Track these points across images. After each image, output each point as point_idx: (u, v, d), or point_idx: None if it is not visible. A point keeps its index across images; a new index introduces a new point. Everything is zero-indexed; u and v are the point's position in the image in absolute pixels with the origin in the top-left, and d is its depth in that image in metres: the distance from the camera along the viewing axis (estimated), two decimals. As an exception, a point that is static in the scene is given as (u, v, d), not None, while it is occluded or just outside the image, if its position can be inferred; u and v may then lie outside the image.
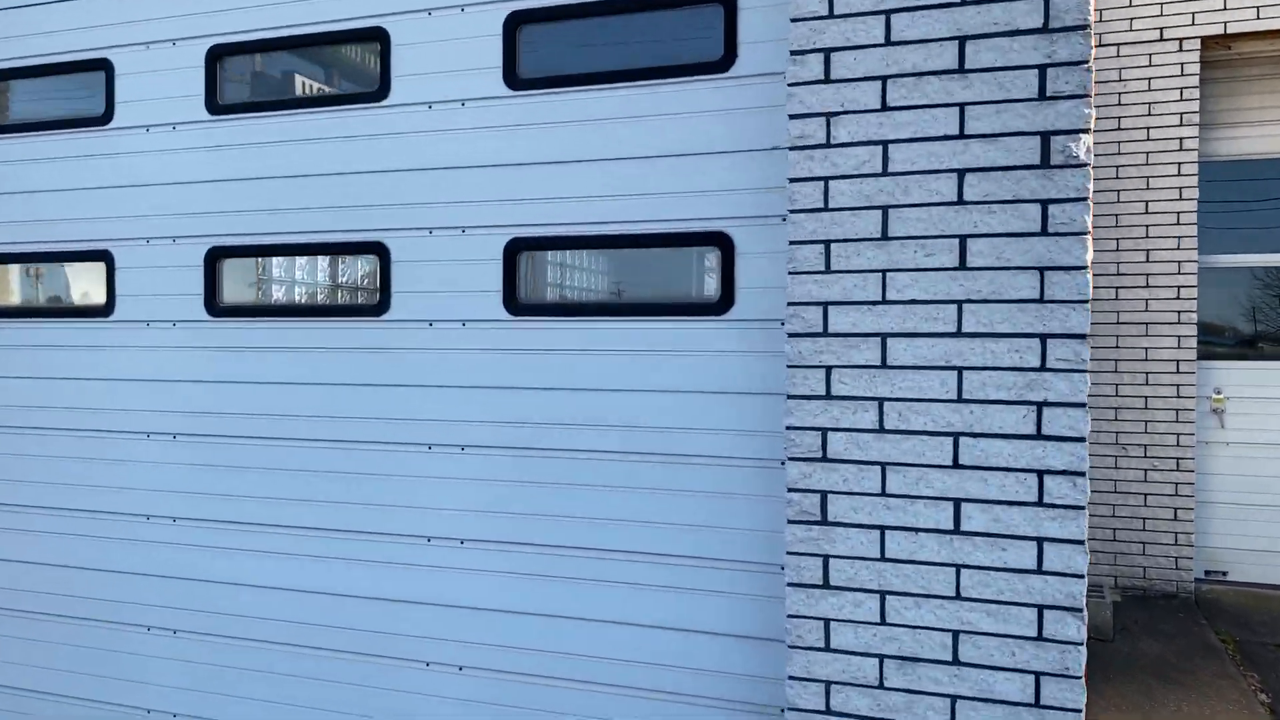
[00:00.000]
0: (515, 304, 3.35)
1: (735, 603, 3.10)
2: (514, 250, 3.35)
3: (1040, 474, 2.48)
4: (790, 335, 2.71)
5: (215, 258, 3.76)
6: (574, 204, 3.27)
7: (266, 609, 3.69)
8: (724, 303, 3.11)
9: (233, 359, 3.74)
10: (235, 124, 3.72)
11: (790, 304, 2.71)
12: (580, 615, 3.28)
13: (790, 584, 2.70)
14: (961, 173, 2.55)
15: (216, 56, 3.75)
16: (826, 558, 2.66)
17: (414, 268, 3.48)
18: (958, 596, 2.55)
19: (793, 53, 2.71)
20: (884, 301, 2.61)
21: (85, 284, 4.05)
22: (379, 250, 3.52)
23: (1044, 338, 2.48)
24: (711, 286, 3.20)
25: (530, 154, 3.32)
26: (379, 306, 3.52)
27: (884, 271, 2.61)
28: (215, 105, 3.75)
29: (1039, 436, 2.49)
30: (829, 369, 2.66)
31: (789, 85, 2.71)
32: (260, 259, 3.78)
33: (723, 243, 3.12)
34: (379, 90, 3.51)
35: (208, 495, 3.78)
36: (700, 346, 3.14)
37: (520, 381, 3.35)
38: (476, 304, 3.39)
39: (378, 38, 3.51)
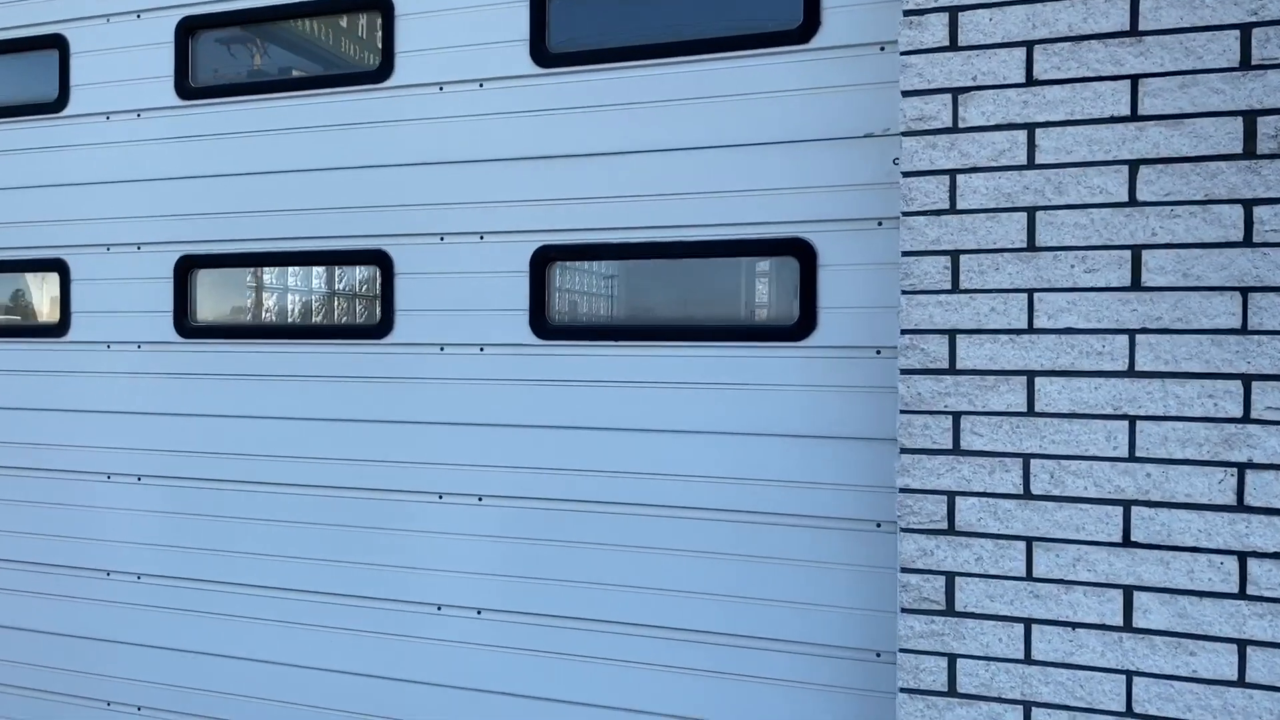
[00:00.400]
0: (544, 325, 2.77)
1: (812, 696, 2.52)
2: (543, 260, 2.77)
3: (1242, 556, 1.90)
4: (904, 372, 2.13)
5: (187, 268, 3.18)
6: (617, 205, 2.69)
7: (246, 685, 3.11)
8: (803, 326, 2.53)
9: (207, 388, 3.15)
10: (211, 111, 3.14)
11: (904, 331, 2.13)
12: (621, 705, 2.70)
13: (904, 689, 2.12)
14: (1134, 165, 1.97)
15: (189, 31, 3.17)
16: (953, 657, 2.08)
17: (422, 281, 2.90)
18: (1129, 713, 1.96)
19: (907, 13, 2.13)
20: (1031, 330, 2.03)
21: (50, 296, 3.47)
22: (380, 260, 2.94)
23: (1248, 379, 1.90)
24: (783, 306, 2.62)
25: (563, 145, 2.74)
26: (380, 327, 2.94)
27: (1031, 291, 2.03)
28: (187, 89, 3.17)
29: (1240, 508, 1.91)
30: (957, 416, 2.08)
31: (902, 54, 2.14)
32: (239, 270, 3.20)
33: (801, 252, 2.54)
34: (381, 69, 2.93)
35: (178, 549, 3.20)
36: (773, 379, 2.56)
37: (550, 419, 2.76)
38: (498, 325, 2.81)
39: (379, 6, 2.93)
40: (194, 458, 3.17)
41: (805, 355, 2.54)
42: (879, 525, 2.47)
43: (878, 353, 2.47)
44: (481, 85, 2.82)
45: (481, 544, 2.84)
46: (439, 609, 2.88)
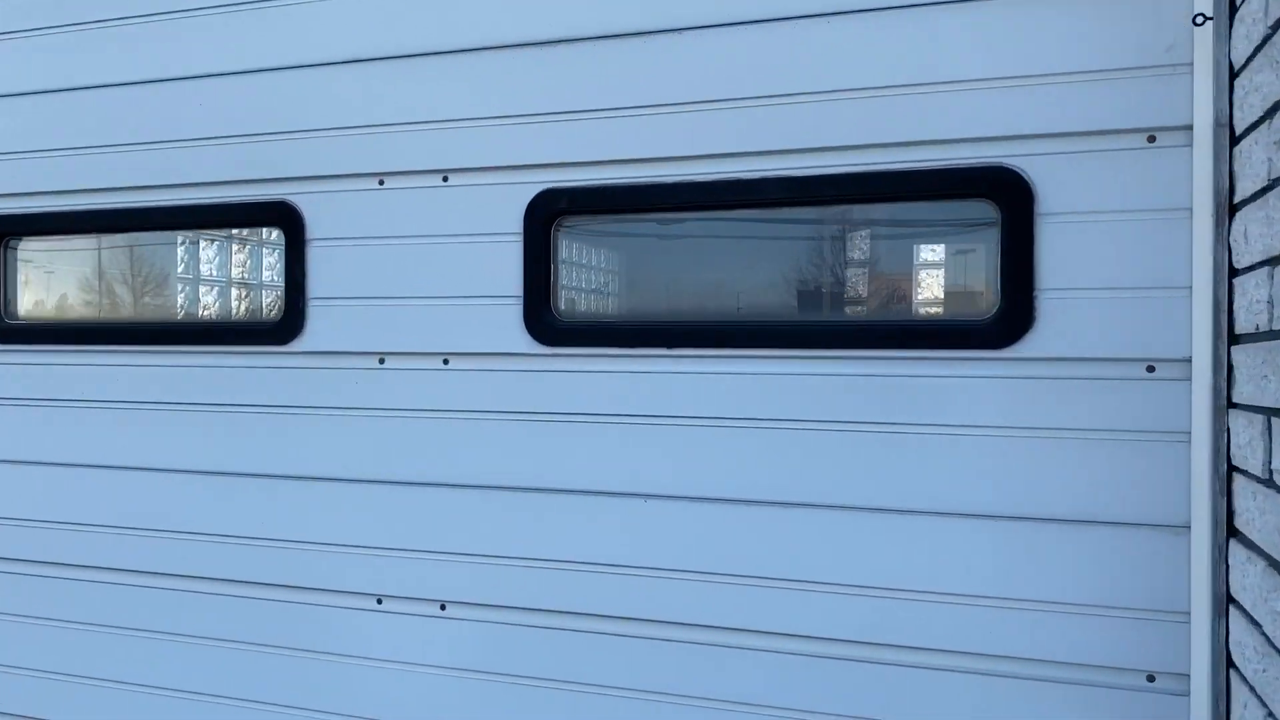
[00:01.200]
0: (547, 323, 1.67)
1: None
2: (546, 215, 1.67)
3: None
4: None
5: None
6: (670, 121, 1.59)
7: None
8: (1009, 322, 1.44)
9: (29, 420, 2.04)
10: (31, -7, 2.04)
11: (1303, 332, 1.03)
12: None
13: None
14: None
15: (1, -127, 2.06)
16: None
17: (350, 252, 1.79)
18: None
19: None
20: None
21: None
22: (283, 218, 1.83)
23: None
24: (970, 287, 1.53)
25: (576, 21, 1.64)
26: (284, 326, 1.83)
27: None
28: (-4, -41, 2.06)
29: None
30: None
31: None
32: (76, 237, 2.09)
33: (1005, 191, 1.44)
34: (286, -86, 1.83)
35: (-16, 666, 2.09)
36: (950, 416, 1.47)
37: (557, 477, 1.67)
38: (472, 322, 1.71)
39: None
40: (7, 529, 2.06)
41: (1011, 374, 1.44)
42: (1152, 680, 1.38)
43: (1150, 370, 1.38)
44: (445, -71, 1.72)
45: (444, 681, 1.73)
46: (377, 785, 1.78)
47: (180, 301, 2.08)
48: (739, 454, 1.56)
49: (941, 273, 1.54)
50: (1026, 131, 1.43)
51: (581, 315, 1.72)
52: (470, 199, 1.71)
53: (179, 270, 2.04)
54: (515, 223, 1.68)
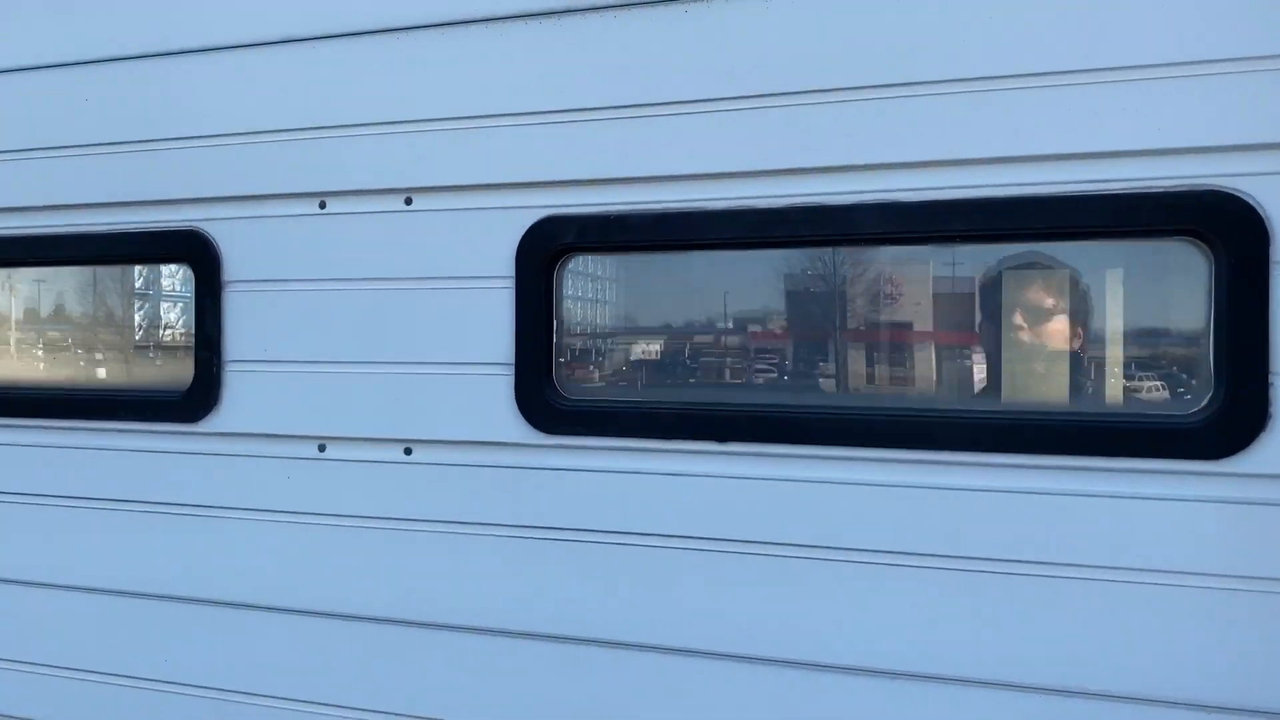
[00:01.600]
0: (547, 402, 1.20)
1: None
2: (549, 249, 1.20)
3: None
4: None
5: None
6: (730, 123, 1.14)
7: None
8: (1227, 422, 0.98)
9: None
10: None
11: None
12: None
13: None
14: None
15: None
16: None
17: (280, 299, 1.33)
18: None
19: None
20: None
21: None
22: (192, 252, 1.37)
23: None
24: (1179, 360, 1.07)
25: (596, -15, 1.19)
26: (192, 398, 1.36)
27: None
28: None
29: None
30: None
31: None
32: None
33: (1218, 226, 0.99)
34: None
35: None
36: (1137, 556, 1.03)
37: (561, 621, 1.20)
38: (443, 398, 1.25)
39: None
40: None
41: (1231, 496, 1.00)
42: None
43: None
44: None
45: None
46: None
47: (58, 360, 1.60)
48: (820, 596, 1.10)
49: (1121, 349, 1.08)
50: (1253, 140, 0.98)
51: (595, 392, 1.26)
52: (443, 229, 1.25)
53: (52, 318, 1.57)
54: (505, 262, 1.22)
